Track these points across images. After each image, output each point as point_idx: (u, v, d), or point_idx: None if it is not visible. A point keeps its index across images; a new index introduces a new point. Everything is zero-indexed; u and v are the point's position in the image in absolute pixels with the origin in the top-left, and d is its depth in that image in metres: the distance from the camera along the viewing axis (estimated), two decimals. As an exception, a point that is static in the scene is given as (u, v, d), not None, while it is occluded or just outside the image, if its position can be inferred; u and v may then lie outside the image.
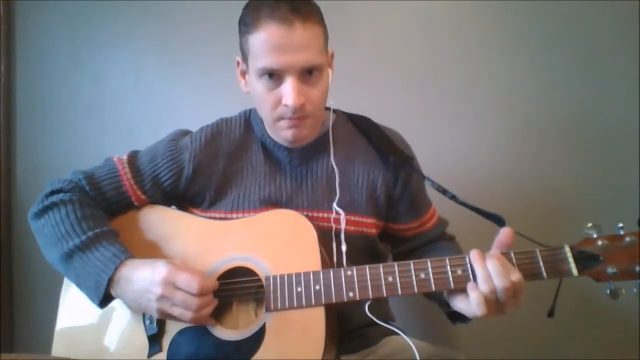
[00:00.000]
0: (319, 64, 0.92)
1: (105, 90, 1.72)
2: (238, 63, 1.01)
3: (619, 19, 1.48)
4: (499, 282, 0.78)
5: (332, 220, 0.99)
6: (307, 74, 0.91)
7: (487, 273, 0.79)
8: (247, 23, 0.92)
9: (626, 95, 1.47)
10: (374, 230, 1.04)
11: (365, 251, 1.02)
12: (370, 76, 1.56)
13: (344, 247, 0.95)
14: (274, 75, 0.91)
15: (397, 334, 0.95)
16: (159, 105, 1.70)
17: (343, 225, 0.97)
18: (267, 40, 0.88)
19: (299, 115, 0.93)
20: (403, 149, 1.06)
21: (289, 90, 0.90)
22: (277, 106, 0.93)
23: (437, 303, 0.98)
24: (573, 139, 1.51)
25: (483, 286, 0.79)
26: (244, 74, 1.00)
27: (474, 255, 0.82)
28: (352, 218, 1.01)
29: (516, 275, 0.79)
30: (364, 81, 1.56)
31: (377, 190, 1.04)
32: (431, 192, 1.09)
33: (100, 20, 1.72)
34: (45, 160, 1.73)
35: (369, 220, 1.03)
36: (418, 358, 0.87)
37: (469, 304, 0.80)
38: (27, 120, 1.75)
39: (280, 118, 0.95)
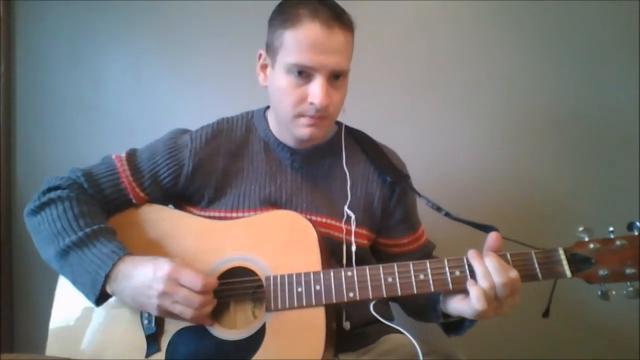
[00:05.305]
0: (347, 70, 0.96)
1: (105, 90, 1.72)
2: (260, 56, 1.01)
3: (619, 19, 1.48)
4: (498, 278, 0.80)
5: (330, 227, 1.01)
6: (334, 77, 0.94)
7: (486, 269, 0.81)
8: (285, 19, 0.93)
9: (626, 97, 1.47)
10: (365, 242, 1.06)
11: (356, 262, 1.02)
12: (368, 77, 1.56)
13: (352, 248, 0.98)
14: (303, 73, 0.92)
15: (399, 332, 0.96)
16: (158, 105, 1.70)
17: (353, 235, 0.99)
18: (306, 38, 0.90)
19: (320, 115, 0.95)
20: (400, 168, 1.09)
21: (317, 89, 0.92)
22: (301, 103, 0.94)
23: (432, 315, 0.98)
24: (571, 141, 1.51)
25: (482, 282, 0.81)
26: (264, 67, 1.01)
27: (471, 254, 0.84)
28: (347, 227, 1.02)
29: (514, 273, 0.81)
30: (363, 81, 1.56)
31: (374, 204, 1.06)
32: (425, 206, 1.08)
33: (100, 20, 1.72)
34: (45, 160, 1.72)
35: (362, 231, 1.04)
36: (421, 355, 0.88)
37: (469, 301, 0.82)
38: (27, 120, 1.75)
39: (301, 115, 0.96)
